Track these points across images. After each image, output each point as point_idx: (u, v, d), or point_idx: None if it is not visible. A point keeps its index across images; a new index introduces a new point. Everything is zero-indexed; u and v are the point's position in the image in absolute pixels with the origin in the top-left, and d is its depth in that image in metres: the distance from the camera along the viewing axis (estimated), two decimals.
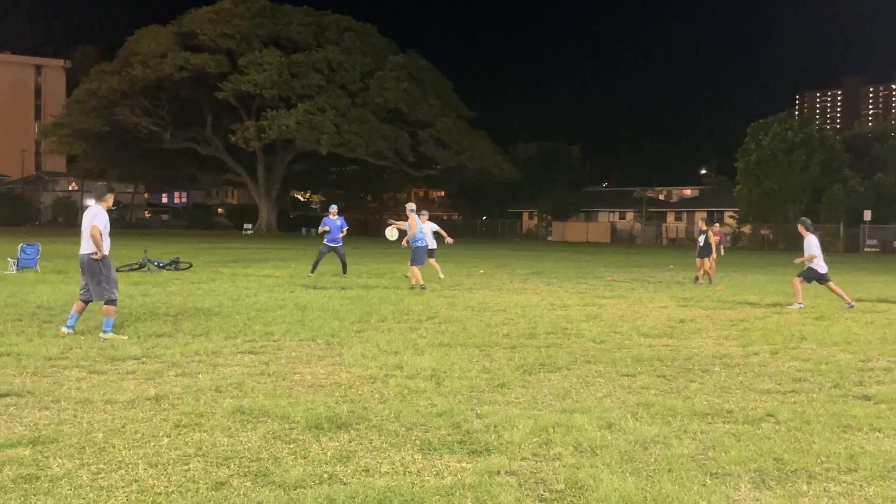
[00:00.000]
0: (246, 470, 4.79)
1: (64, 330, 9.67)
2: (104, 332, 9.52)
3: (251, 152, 68.29)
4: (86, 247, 9.63)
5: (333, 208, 20.26)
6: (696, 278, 21.18)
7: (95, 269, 9.61)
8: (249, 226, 71.16)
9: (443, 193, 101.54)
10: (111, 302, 9.66)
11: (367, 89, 66.65)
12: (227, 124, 67.90)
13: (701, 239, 20.75)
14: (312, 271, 20.10)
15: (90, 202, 9.89)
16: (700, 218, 24.12)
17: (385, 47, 70.91)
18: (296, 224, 77.81)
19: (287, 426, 5.73)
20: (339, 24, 69.28)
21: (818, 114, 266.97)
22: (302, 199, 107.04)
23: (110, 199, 10.02)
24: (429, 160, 71.59)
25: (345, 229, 19.88)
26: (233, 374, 7.50)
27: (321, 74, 65.09)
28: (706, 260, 20.67)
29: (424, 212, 18.41)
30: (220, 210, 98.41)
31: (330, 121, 63.10)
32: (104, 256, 9.62)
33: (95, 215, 9.64)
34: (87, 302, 9.86)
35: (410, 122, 68.49)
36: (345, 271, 20.12)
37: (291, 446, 5.27)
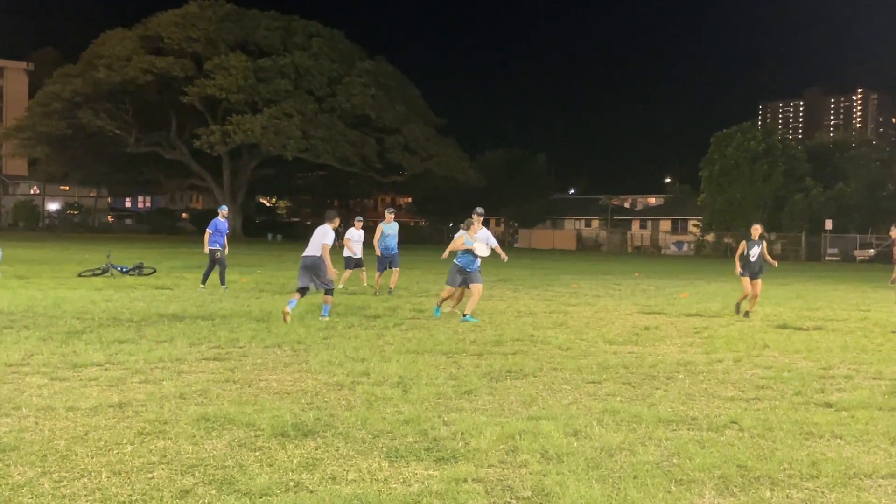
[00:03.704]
0: (211, 478, 4.75)
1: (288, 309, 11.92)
2: (323, 315, 12.29)
3: (216, 157, 67.86)
4: (311, 251, 12.50)
5: (224, 209, 18.78)
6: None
7: (320, 268, 12.39)
8: None
9: (410, 199, 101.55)
10: (330, 292, 12.53)
11: (334, 95, 66.53)
12: (192, 128, 67.40)
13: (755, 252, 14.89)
14: (203, 283, 17.89)
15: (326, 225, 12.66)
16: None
17: (352, 53, 70.85)
18: (261, 229, 77.36)
19: (253, 433, 5.69)
20: (306, 30, 69.09)
21: (781, 124, 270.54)
22: (268, 205, 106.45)
23: (337, 220, 12.95)
24: (396, 166, 71.63)
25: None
26: (197, 381, 7.44)
27: (288, 79, 64.86)
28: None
29: (359, 217, 17.80)
30: (184, 215, 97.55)
31: (296, 126, 62.89)
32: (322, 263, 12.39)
33: (326, 234, 12.54)
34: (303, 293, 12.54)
35: (377, 129, 68.46)
36: (222, 281, 17.87)
37: (257, 454, 5.24)
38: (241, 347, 9.51)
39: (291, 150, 62.91)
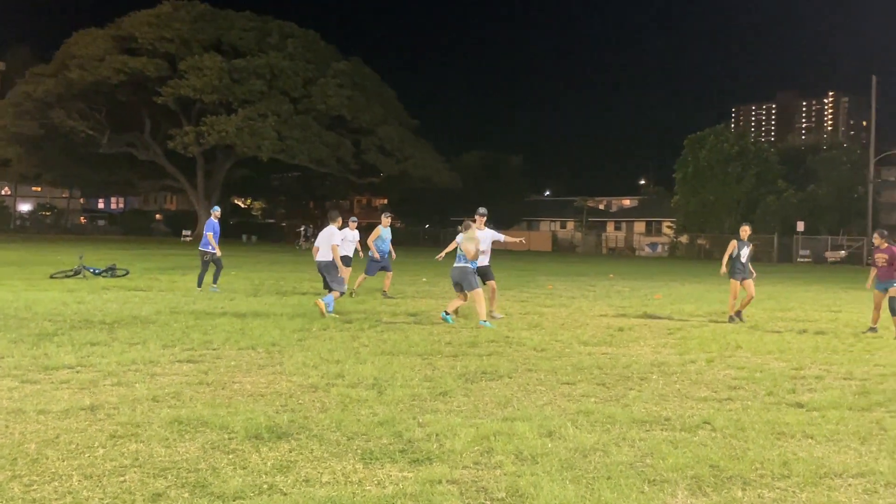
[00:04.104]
0: (184, 481, 4.72)
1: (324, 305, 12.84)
2: (328, 311, 12.89)
3: (190, 158, 67.33)
4: (320, 256, 13.52)
5: (216, 210, 18.51)
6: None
7: (329, 270, 13.44)
8: (188, 232, 70.08)
9: (385, 201, 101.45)
10: (339, 291, 13.40)
11: (309, 96, 66.22)
12: (166, 129, 66.82)
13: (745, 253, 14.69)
14: (215, 282, 17.65)
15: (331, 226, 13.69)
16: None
17: (328, 54, 70.58)
18: (236, 231, 76.92)
19: (226, 436, 5.66)
20: (281, 30, 68.72)
21: (753, 127, 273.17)
22: (243, 206, 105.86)
23: (340, 220, 13.94)
24: (371, 168, 71.40)
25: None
26: (170, 384, 7.39)
27: (263, 80, 64.46)
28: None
29: (354, 218, 17.84)
30: (158, 216, 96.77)
31: (271, 127, 62.54)
32: (330, 262, 13.40)
33: (332, 235, 13.45)
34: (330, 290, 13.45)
35: (353, 130, 68.26)
36: (215, 280, 17.67)
37: (230, 456, 5.21)
38: (214, 350, 9.46)
39: (266, 151, 62.56)
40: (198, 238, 67.48)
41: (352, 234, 17.34)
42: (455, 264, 12.82)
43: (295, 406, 6.66)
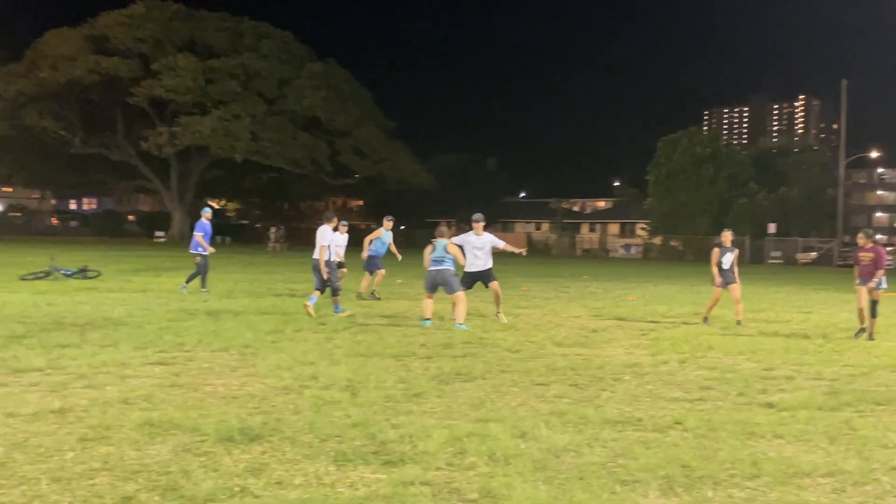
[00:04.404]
0: (154, 484, 4.68)
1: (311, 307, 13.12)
2: (336, 311, 13.54)
3: (164, 159, 66.85)
4: (314, 254, 13.81)
5: (208, 211, 18.35)
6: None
7: (319, 269, 13.63)
8: (162, 234, 69.59)
9: (361, 202, 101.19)
10: (335, 291, 13.73)
11: (284, 97, 65.98)
12: (139, 130, 66.22)
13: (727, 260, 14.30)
14: (204, 286, 17.45)
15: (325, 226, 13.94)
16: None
17: (303, 55, 70.31)
18: (210, 232, 76.35)
19: (198, 439, 5.63)
20: (256, 31, 68.39)
21: (726, 129, 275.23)
22: (216, 207, 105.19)
23: (335, 220, 14.20)
24: (347, 169, 71.24)
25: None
26: (142, 386, 7.33)
27: (237, 81, 64.14)
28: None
29: (345, 222, 17.92)
30: (130, 217, 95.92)
31: (246, 128, 62.23)
32: (328, 261, 13.71)
33: (323, 234, 13.81)
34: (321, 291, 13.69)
35: (328, 131, 68.05)
36: (204, 283, 17.51)
37: (202, 459, 5.18)
38: (187, 352, 9.39)
39: (241, 152, 62.24)
40: (173, 239, 67.03)
41: (342, 238, 17.46)
42: (435, 267, 12.75)
43: (268, 408, 6.63)
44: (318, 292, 13.69)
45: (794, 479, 5.11)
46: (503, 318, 13.65)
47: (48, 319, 11.93)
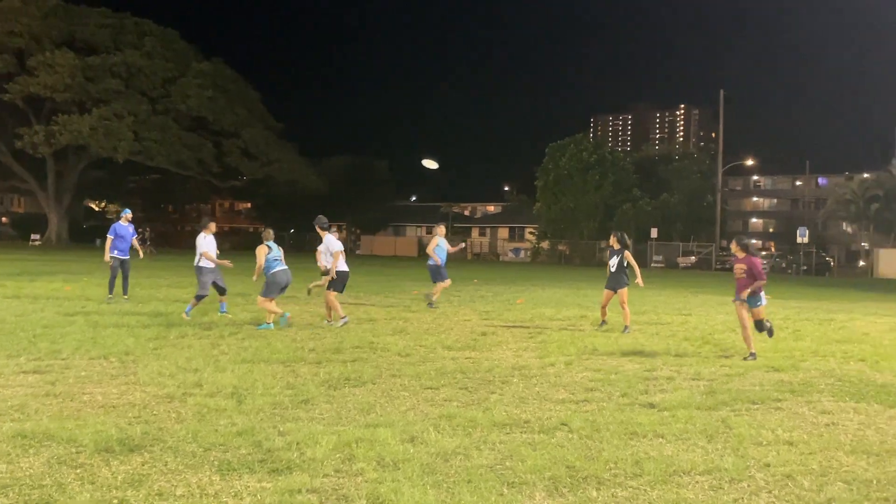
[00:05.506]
0: (27, 498, 4.47)
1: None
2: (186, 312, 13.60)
3: (40, 158, 64.00)
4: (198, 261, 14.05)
5: (127, 213, 17.56)
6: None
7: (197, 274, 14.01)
8: (37, 236, 66.54)
9: (250, 205, 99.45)
10: (199, 297, 13.82)
11: (168, 96, 64.12)
12: (13, 128, 63.22)
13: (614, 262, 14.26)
14: (111, 292, 16.66)
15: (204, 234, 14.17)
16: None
17: (188, 54, 68.50)
18: (90, 235, 73.60)
19: (74, 450, 5.40)
20: (138, 28, 66.24)
21: (611, 136, 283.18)
22: (97, 209, 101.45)
23: (212, 226, 14.51)
24: (235, 171, 69.84)
25: (134, 238, 17.28)
26: (14, 396, 6.98)
27: (119, 79, 61.94)
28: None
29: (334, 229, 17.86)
30: (3, 219, 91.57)
31: (128, 127, 60.15)
32: (199, 266, 13.97)
33: (198, 241, 14.08)
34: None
35: (215, 132, 66.49)
36: (125, 291, 16.82)
37: (78, 471, 4.97)
38: (63, 359, 9.00)
39: (122, 152, 60.13)
40: (50, 242, 64.23)
41: (336, 244, 17.58)
42: (281, 267, 13.01)
43: (149, 417, 6.42)
44: (223, 298, 14.35)
45: (673, 478, 5.27)
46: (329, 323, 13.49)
47: None
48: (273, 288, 12.83)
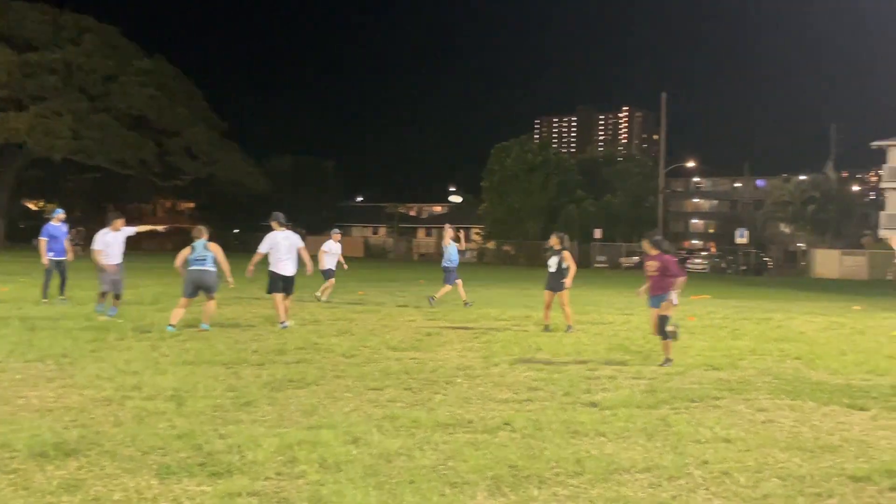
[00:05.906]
0: None
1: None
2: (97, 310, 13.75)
3: None
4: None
5: (60, 213, 17.21)
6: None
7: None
8: None
9: (192, 205, 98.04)
10: (102, 294, 14.11)
11: (108, 94, 62.88)
12: None
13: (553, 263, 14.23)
14: (45, 296, 16.27)
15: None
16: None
17: (129, 51, 67.22)
18: (27, 235, 71.83)
19: (7, 455, 5.27)
20: (78, 24, 64.78)
21: (555, 138, 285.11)
22: (34, 209, 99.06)
23: (118, 223, 14.51)
24: (177, 170, 68.80)
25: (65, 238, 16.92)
26: None
27: (57, 76, 60.61)
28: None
29: (336, 230, 17.73)
30: None
31: (67, 126, 58.87)
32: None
33: (96, 239, 14.17)
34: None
35: (157, 131, 65.39)
36: (62, 292, 16.43)
37: (11, 477, 4.86)
38: None
39: (60, 150, 58.83)
40: None
41: (336, 247, 17.64)
42: (197, 267, 12.65)
43: (86, 421, 6.30)
44: (115, 299, 14.29)
45: (614, 476, 5.33)
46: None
47: None
48: (186, 286, 12.51)
